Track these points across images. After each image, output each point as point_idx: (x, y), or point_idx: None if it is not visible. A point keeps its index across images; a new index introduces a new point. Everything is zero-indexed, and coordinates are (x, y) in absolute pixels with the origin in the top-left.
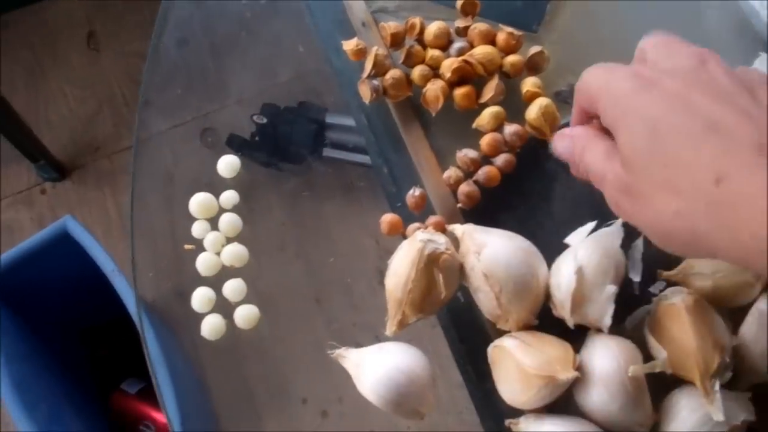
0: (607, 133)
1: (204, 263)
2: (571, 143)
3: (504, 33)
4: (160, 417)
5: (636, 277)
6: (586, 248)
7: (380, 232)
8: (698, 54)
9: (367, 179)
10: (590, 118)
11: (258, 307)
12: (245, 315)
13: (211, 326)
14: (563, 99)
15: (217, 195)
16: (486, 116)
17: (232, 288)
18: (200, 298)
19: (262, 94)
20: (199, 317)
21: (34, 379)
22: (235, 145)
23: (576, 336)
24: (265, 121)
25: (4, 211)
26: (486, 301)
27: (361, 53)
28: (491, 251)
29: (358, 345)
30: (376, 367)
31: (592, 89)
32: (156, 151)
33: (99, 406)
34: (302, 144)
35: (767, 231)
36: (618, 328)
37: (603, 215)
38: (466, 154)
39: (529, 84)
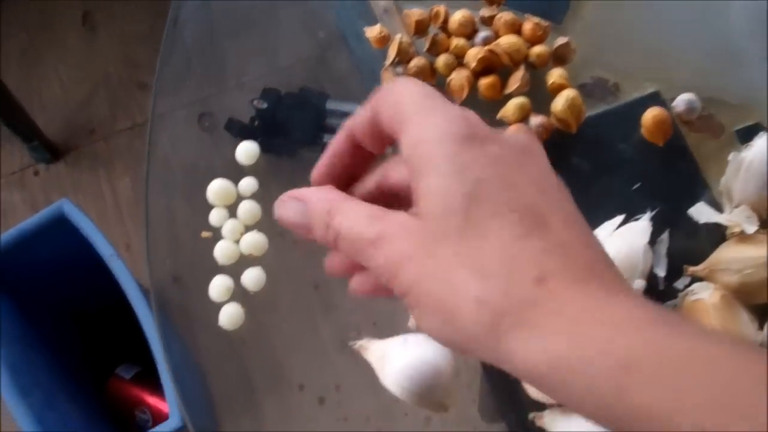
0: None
1: (223, 252)
2: (304, 206)
3: (530, 23)
4: (155, 402)
5: (661, 272)
6: (614, 242)
7: None
8: (527, 138)
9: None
10: (356, 151)
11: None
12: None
13: (230, 316)
14: (589, 92)
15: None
16: (511, 107)
17: (251, 277)
18: (218, 287)
19: (262, 78)
20: (201, 303)
21: (29, 364)
22: (233, 129)
23: None
24: (265, 105)
25: None
26: None
27: (384, 40)
28: None
29: (358, 331)
30: (402, 359)
31: (404, 109)
32: (164, 134)
33: (94, 392)
34: (302, 130)
35: (574, 353)
36: None
37: (630, 209)
38: None
39: (555, 75)
